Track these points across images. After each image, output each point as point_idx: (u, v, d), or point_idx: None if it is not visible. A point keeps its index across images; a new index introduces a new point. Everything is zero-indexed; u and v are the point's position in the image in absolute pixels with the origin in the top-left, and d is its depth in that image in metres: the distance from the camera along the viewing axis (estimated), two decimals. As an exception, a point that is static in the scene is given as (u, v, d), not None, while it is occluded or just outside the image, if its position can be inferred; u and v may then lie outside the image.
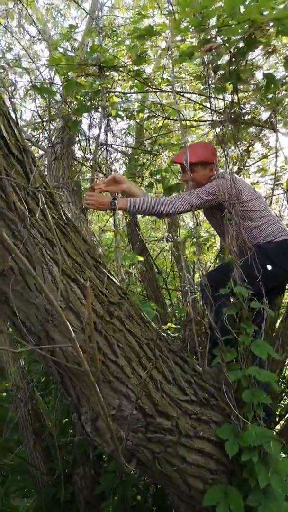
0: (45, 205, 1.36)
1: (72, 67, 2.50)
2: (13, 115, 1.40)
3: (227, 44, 1.91)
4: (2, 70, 2.98)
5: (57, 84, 3.16)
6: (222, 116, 2.55)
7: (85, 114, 2.71)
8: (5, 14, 5.02)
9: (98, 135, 2.26)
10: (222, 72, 2.15)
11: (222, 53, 1.87)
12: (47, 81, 2.58)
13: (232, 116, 2.81)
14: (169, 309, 3.83)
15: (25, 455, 2.74)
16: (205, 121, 3.56)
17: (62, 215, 1.45)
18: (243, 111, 3.10)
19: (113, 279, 1.52)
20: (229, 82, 2.10)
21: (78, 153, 3.46)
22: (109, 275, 1.51)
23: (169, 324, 2.47)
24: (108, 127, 2.42)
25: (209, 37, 1.81)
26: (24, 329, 1.36)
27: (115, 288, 1.48)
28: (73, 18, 9.41)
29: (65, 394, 1.45)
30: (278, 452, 1.39)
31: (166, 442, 1.41)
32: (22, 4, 4.59)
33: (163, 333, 1.84)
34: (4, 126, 1.34)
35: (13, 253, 1.27)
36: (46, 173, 2.59)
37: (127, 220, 4.00)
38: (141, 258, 3.10)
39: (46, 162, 2.70)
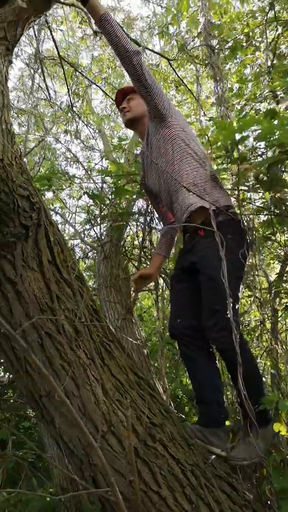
0: (91, 326, 1.44)
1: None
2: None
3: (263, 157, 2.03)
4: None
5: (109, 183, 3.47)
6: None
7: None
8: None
9: (143, 239, 2.41)
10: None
11: (258, 170, 1.98)
12: (99, 188, 2.85)
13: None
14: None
15: None
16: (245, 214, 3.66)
17: (107, 332, 1.51)
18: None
19: (156, 395, 1.51)
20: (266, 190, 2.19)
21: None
22: (151, 391, 1.51)
23: None
24: (150, 228, 2.57)
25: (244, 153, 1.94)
26: (67, 452, 1.37)
27: (157, 406, 1.47)
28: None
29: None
30: None
31: None
32: (79, 116, 5.24)
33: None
34: (57, 253, 1.49)
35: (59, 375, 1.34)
36: (97, 271, 2.77)
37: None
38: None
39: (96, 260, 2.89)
